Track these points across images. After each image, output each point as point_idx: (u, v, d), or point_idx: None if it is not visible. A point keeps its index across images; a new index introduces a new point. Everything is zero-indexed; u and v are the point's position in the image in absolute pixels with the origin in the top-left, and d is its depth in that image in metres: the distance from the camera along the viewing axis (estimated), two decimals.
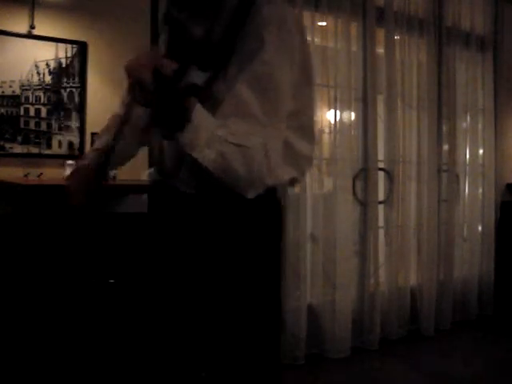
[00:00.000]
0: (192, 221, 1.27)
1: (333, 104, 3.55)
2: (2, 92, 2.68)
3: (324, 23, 3.58)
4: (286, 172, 1.31)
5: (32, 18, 2.71)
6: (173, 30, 1.28)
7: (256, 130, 1.14)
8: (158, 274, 1.38)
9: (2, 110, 2.69)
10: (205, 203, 1.26)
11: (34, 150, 2.76)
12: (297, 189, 3.38)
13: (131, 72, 1.13)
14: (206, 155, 1.11)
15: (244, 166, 1.12)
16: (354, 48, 3.66)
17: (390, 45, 3.81)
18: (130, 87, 1.15)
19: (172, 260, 1.33)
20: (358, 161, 3.70)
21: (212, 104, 1.17)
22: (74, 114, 2.85)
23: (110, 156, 1.34)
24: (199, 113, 1.12)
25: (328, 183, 3.59)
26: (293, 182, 1.36)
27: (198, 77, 1.20)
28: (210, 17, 1.22)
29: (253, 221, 1.27)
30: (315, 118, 1.40)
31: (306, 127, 1.34)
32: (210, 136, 1.11)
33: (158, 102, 1.05)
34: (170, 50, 1.25)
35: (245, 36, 1.18)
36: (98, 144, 1.50)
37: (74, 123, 2.85)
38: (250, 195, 1.17)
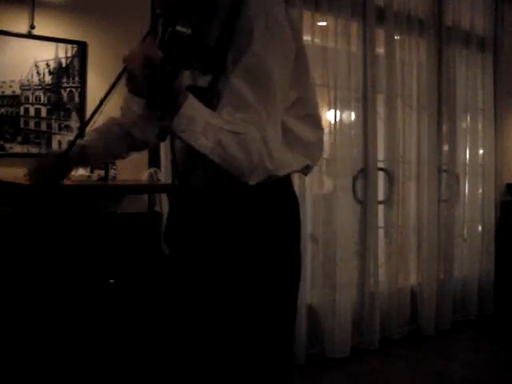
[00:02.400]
0: (210, 219, 1.29)
1: (333, 104, 3.56)
2: (2, 92, 2.68)
3: (324, 23, 3.58)
4: (296, 160, 1.32)
5: (32, 18, 2.71)
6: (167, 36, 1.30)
7: (251, 117, 1.16)
8: (175, 273, 1.40)
9: (2, 110, 2.69)
10: (221, 201, 1.28)
11: (34, 150, 2.76)
12: (296, 189, 3.38)
13: (124, 62, 1.16)
14: (204, 144, 1.12)
15: (242, 151, 1.14)
16: (353, 48, 3.66)
17: (390, 45, 3.81)
18: (126, 78, 1.18)
19: (189, 262, 1.35)
20: (357, 161, 3.70)
21: (219, 102, 1.20)
22: (74, 114, 2.85)
23: (65, 157, 1.44)
24: (192, 103, 1.13)
25: (328, 183, 3.59)
26: (306, 169, 1.38)
27: (202, 80, 1.24)
28: (204, 21, 1.25)
29: (270, 218, 1.29)
30: (319, 106, 1.42)
31: (310, 114, 1.35)
32: (205, 125, 1.12)
33: (149, 88, 1.07)
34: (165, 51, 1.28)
35: (236, 32, 1.21)
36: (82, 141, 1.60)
37: (74, 123, 2.85)
38: (253, 181, 1.18)
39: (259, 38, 1.18)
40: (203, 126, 1.12)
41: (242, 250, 1.26)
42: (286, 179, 1.34)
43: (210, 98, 1.22)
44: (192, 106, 1.13)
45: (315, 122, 1.38)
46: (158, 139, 1.15)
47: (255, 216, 1.27)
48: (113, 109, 1.60)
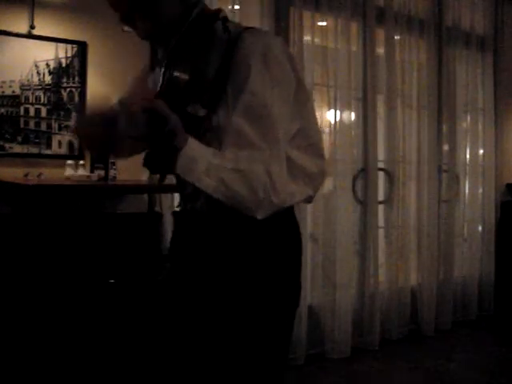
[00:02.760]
0: (213, 242, 1.31)
1: (333, 104, 3.55)
2: (2, 92, 2.68)
3: (324, 23, 3.58)
4: (299, 191, 1.33)
5: (32, 18, 2.71)
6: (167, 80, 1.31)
7: (254, 155, 1.17)
8: (176, 291, 1.41)
9: (2, 110, 2.69)
10: (224, 225, 1.29)
11: (34, 150, 2.76)
12: None
13: (129, 106, 1.16)
14: (207, 183, 1.14)
15: (246, 188, 1.15)
16: (353, 48, 3.66)
17: (390, 45, 3.81)
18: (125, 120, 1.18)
19: (190, 283, 1.35)
20: (357, 161, 3.70)
21: (215, 132, 1.22)
22: (74, 114, 2.85)
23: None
24: (193, 144, 1.15)
25: (328, 183, 3.58)
26: (309, 199, 1.39)
27: (200, 110, 1.25)
28: (203, 54, 1.26)
29: (272, 243, 1.30)
30: (320, 134, 1.44)
31: (312, 144, 1.36)
32: (208, 165, 1.14)
33: (148, 133, 1.09)
34: (165, 94, 1.28)
35: (235, 65, 1.21)
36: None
37: (74, 123, 2.85)
38: (260, 216, 1.19)
39: (257, 75, 1.19)
40: (206, 166, 1.14)
41: (243, 275, 1.27)
42: (290, 208, 1.35)
43: (208, 127, 1.23)
44: (193, 147, 1.14)
45: (317, 151, 1.38)
46: (148, 168, 1.18)
47: (258, 241, 1.28)
48: None
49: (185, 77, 1.13)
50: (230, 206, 1.18)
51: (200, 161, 1.14)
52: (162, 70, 1.31)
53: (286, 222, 1.34)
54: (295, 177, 1.31)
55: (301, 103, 1.30)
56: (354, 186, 3.65)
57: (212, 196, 1.17)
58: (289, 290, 1.34)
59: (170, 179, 1.36)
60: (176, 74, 1.14)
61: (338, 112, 3.56)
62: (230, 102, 1.21)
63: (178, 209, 1.52)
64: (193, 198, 1.35)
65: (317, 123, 1.41)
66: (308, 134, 1.35)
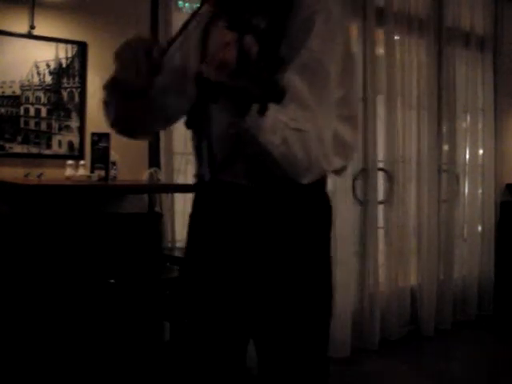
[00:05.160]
0: (251, 216, 1.24)
1: None
2: (2, 92, 2.68)
3: None
4: (336, 161, 1.31)
5: (32, 18, 2.71)
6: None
7: (311, 118, 1.13)
8: (206, 272, 1.32)
9: (2, 110, 2.69)
10: (263, 197, 1.23)
11: (34, 150, 2.76)
12: None
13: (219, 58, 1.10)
14: (272, 141, 1.09)
15: (302, 150, 1.11)
16: (354, 48, 3.65)
17: (390, 45, 3.81)
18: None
19: (225, 260, 1.28)
20: (357, 161, 3.69)
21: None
22: (74, 114, 2.85)
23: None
24: None
25: (328, 183, 3.58)
26: (341, 170, 1.37)
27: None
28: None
29: (307, 215, 1.27)
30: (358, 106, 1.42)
31: (352, 116, 1.34)
32: (274, 121, 1.09)
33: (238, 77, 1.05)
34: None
35: (293, 26, 1.18)
36: None
37: (74, 123, 2.85)
38: (306, 180, 1.16)
39: (318, 34, 1.16)
40: (272, 121, 1.09)
41: (287, 248, 1.24)
42: (323, 180, 1.33)
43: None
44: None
45: (356, 123, 1.36)
46: (187, 126, 1.13)
47: (297, 214, 1.25)
48: None
49: (263, 25, 1.09)
50: (280, 167, 1.13)
51: (268, 115, 1.08)
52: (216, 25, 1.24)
53: (320, 193, 1.33)
54: (334, 146, 1.26)
55: (347, 71, 1.27)
56: (353, 186, 3.65)
57: (259, 156, 1.12)
58: (327, 261, 1.32)
59: (170, 179, 1.34)
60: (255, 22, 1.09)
61: None
62: (285, 55, 1.17)
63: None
64: (226, 164, 1.26)
65: (357, 97, 1.41)
66: (350, 104, 1.32)
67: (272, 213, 1.24)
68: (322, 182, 1.31)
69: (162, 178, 2.93)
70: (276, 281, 1.24)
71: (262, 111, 1.07)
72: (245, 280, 1.26)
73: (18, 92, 2.72)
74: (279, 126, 1.09)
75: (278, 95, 1.10)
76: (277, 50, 1.17)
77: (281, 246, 1.24)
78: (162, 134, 2.93)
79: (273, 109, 1.10)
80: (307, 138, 1.12)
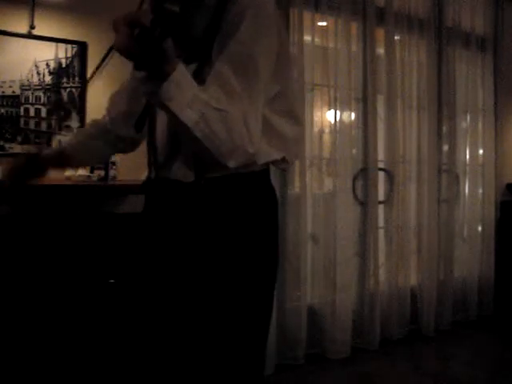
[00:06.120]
0: (190, 212, 1.28)
1: (333, 104, 3.55)
2: (2, 92, 2.68)
3: (324, 23, 3.58)
4: (273, 153, 1.32)
5: (32, 18, 2.70)
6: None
7: (234, 101, 1.15)
8: (152, 270, 1.38)
9: (2, 110, 2.69)
10: (202, 191, 1.26)
11: (34, 150, 2.75)
12: (297, 189, 3.39)
13: (113, 27, 1.10)
14: (189, 115, 1.10)
15: (224, 129, 1.13)
16: (353, 48, 3.65)
17: (390, 45, 3.81)
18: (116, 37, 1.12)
19: (165, 254, 1.33)
20: (358, 161, 3.70)
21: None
22: (74, 114, 2.85)
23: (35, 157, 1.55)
24: (183, 71, 1.10)
25: (328, 183, 3.59)
26: (283, 163, 1.37)
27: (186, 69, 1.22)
28: (192, 8, 1.26)
29: (251, 210, 1.29)
30: (299, 101, 1.45)
31: (290, 110, 1.36)
32: (192, 97, 1.10)
33: (138, 46, 1.03)
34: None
35: (225, 21, 1.22)
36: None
37: (74, 123, 2.85)
38: (232, 163, 1.17)
39: (248, 26, 1.19)
40: (191, 97, 1.10)
41: (222, 243, 1.26)
42: (265, 172, 1.35)
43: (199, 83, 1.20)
44: (182, 75, 1.10)
45: (295, 117, 1.38)
46: (135, 128, 1.13)
47: (236, 208, 1.27)
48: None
49: (175, 8, 1.08)
50: (205, 146, 1.14)
51: (186, 90, 1.10)
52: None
53: (262, 185, 1.34)
54: (270, 139, 1.30)
55: (283, 66, 1.31)
56: (354, 186, 3.65)
57: (188, 153, 1.16)
58: (268, 253, 1.33)
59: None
60: (167, 5, 1.08)
61: (338, 112, 3.56)
62: (216, 49, 1.21)
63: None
64: (167, 161, 1.32)
65: (295, 91, 1.41)
66: (287, 99, 1.34)
67: (206, 208, 1.26)
68: (260, 174, 1.32)
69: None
70: (198, 273, 1.26)
71: (150, 77, 1.07)
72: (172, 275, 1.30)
73: (18, 92, 2.72)
74: (197, 102, 1.10)
75: (160, 57, 1.06)
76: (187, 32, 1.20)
77: (208, 245, 1.26)
78: None
79: (193, 85, 1.12)
80: (230, 118, 1.14)
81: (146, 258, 1.40)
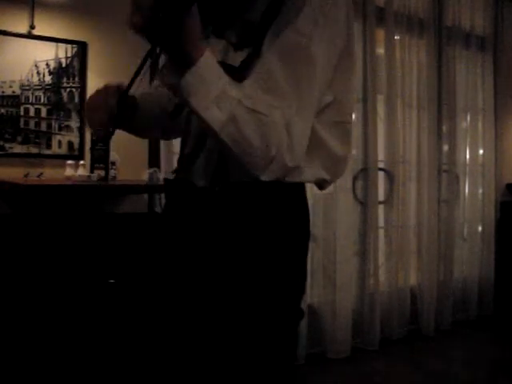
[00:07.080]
0: (207, 222, 1.08)
1: None
2: (2, 92, 2.68)
3: None
4: (314, 171, 1.10)
5: (32, 18, 2.71)
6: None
7: (279, 103, 0.94)
8: (166, 275, 1.22)
9: (2, 110, 2.69)
10: (221, 200, 1.05)
11: (34, 150, 2.76)
12: None
13: None
14: (215, 116, 0.90)
15: (259, 135, 0.92)
16: (354, 48, 3.65)
17: (390, 45, 3.81)
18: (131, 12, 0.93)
19: (181, 262, 1.16)
20: (358, 161, 3.70)
21: None
22: (74, 114, 2.85)
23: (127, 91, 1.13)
24: (209, 62, 0.91)
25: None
26: (323, 183, 1.16)
27: (233, 57, 1.05)
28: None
29: (278, 229, 1.07)
30: (352, 114, 1.19)
31: (343, 123, 1.13)
32: (221, 94, 0.91)
33: (157, 23, 0.85)
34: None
35: (285, 7, 1.01)
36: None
37: (74, 123, 2.85)
38: (264, 177, 0.96)
39: (309, 14, 0.97)
40: (218, 93, 0.90)
41: (242, 260, 1.06)
42: (301, 185, 1.12)
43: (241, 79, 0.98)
44: (208, 66, 0.90)
45: (346, 133, 1.14)
46: (170, 116, 0.99)
47: (262, 224, 1.05)
48: None
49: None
50: (235, 154, 0.94)
51: (212, 83, 0.90)
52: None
53: (296, 200, 1.10)
54: (314, 154, 1.07)
55: (343, 71, 1.08)
56: (354, 186, 3.65)
57: (210, 155, 0.99)
58: (295, 278, 1.13)
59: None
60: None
61: None
62: (269, 38, 0.99)
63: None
64: (189, 160, 1.13)
65: (352, 101, 1.15)
66: (341, 110, 1.11)
67: (222, 218, 1.05)
68: (296, 186, 1.09)
69: (162, 178, 2.93)
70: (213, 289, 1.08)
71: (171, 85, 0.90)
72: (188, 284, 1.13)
73: (18, 92, 2.72)
74: (226, 99, 0.91)
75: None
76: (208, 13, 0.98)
77: (217, 253, 1.07)
78: None
79: (223, 79, 0.92)
80: (266, 122, 0.92)
81: (164, 260, 1.23)
